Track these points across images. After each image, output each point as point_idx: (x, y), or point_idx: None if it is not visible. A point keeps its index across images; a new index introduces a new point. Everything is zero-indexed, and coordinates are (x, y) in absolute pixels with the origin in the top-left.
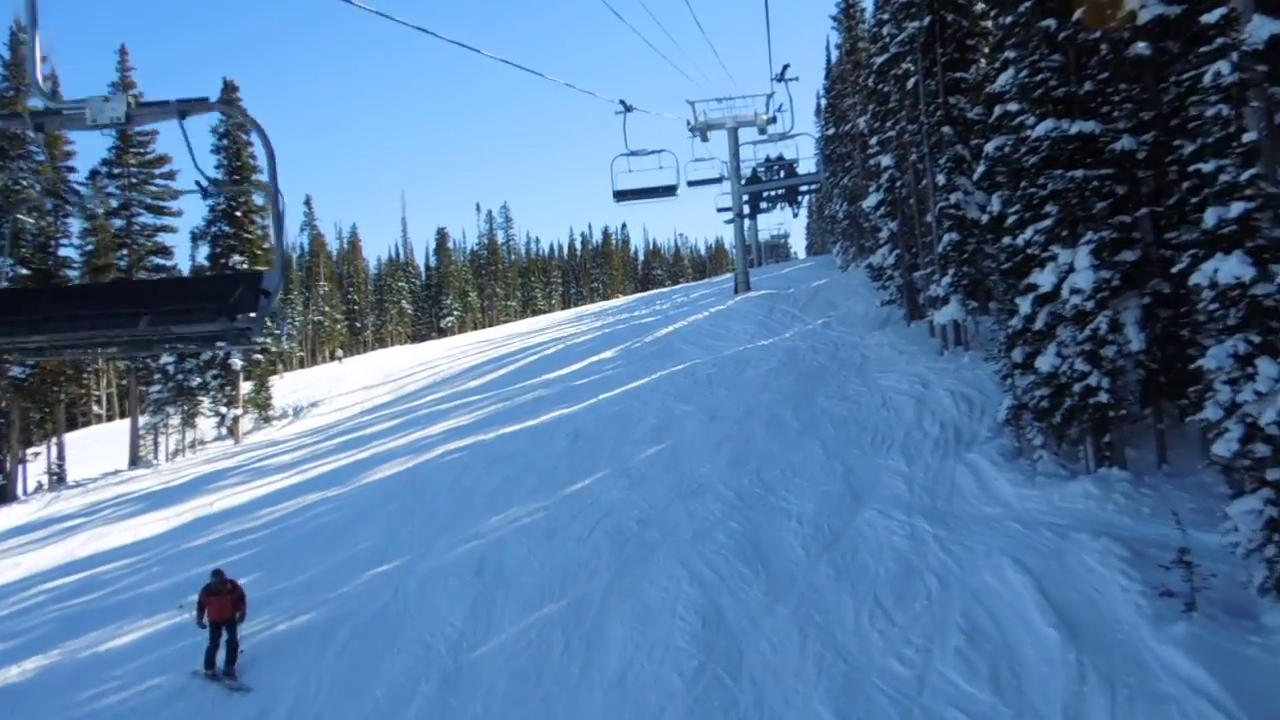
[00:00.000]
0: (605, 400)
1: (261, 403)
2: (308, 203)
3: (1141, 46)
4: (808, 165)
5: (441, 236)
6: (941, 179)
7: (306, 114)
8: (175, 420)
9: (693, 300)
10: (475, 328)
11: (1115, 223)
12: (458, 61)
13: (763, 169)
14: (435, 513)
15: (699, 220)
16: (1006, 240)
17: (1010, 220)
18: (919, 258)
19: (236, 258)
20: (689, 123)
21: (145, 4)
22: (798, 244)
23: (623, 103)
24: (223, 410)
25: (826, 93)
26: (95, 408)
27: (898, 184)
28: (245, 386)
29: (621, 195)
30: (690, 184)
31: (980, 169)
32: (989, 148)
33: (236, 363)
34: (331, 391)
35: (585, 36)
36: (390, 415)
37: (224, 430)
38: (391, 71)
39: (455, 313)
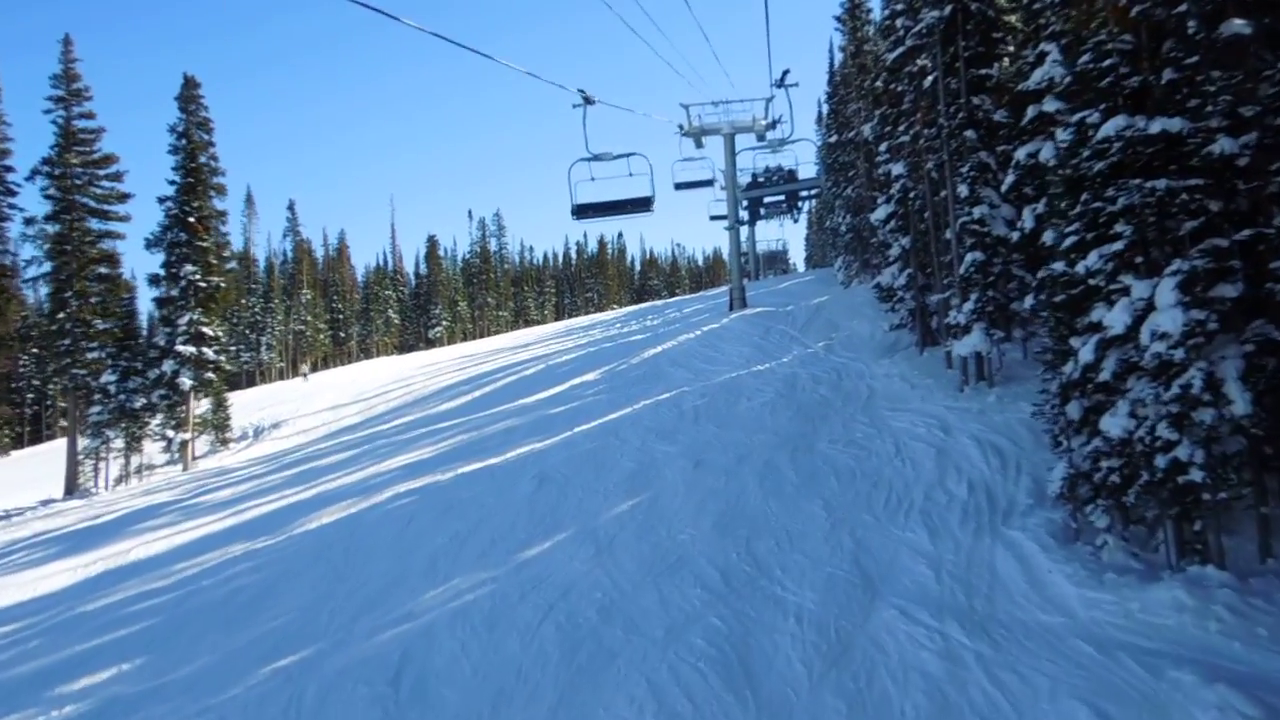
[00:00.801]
0: (580, 435)
1: (219, 423)
2: (291, 208)
3: (1239, 24)
4: (808, 171)
5: (432, 244)
6: (964, 190)
7: (297, 118)
8: (120, 443)
9: (685, 316)
10: (465, 338)
11: (1208, 248)
12: (458, 70)
13: (762, 177)
14: (367, 579)
15: (697, 229)
16: (1057, 266)
17: (1068, 241)
18: (934, 278)
19: (189, 268)
20: (681, 127)
21: (157, 19)
22: (796, 254)
23: (581, 93)
24: (170, 433)
25: (829, 98)
26: (63, 421)
27: (910, 195)
28: (201, 405)
29: (582, 211)
30: (678, 186)
31: (1009, 179)
32: (1020, 154)
33: (185, 381)
34: (299, 410)
35: (588, 49)
36: (350, 443)
37: (174, 454)
38: (385, 79)
39: (444, 323)
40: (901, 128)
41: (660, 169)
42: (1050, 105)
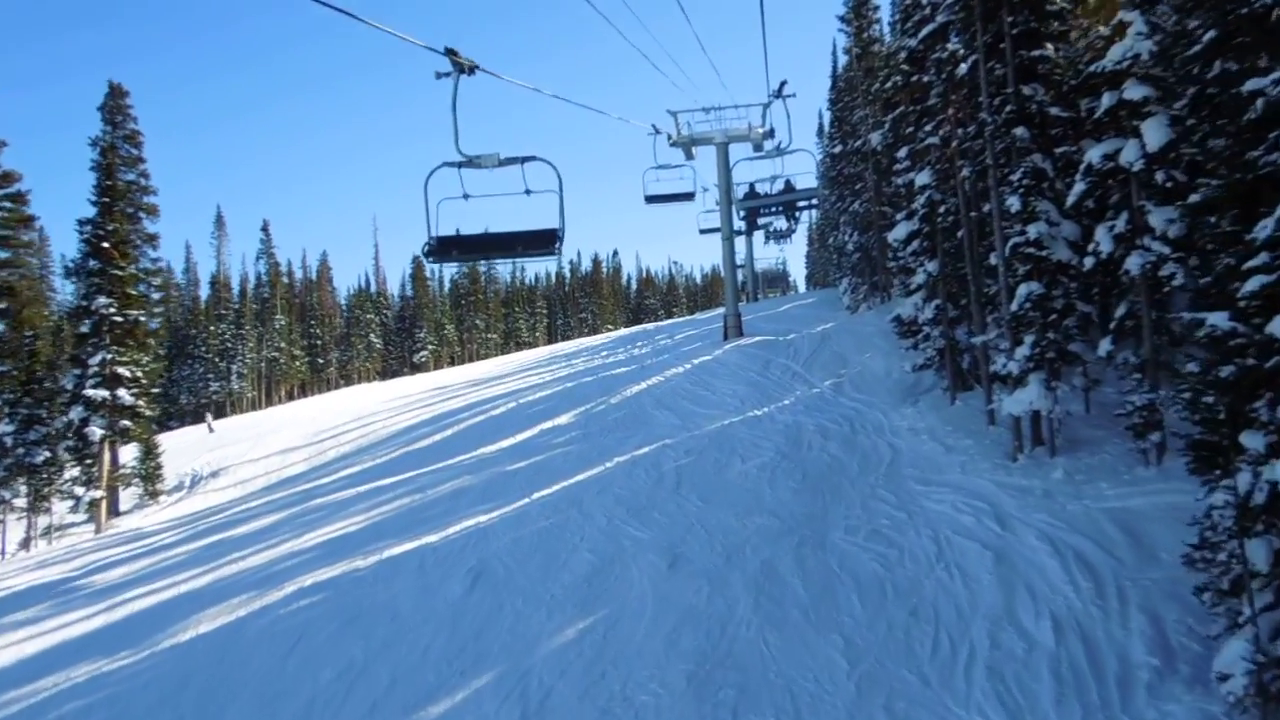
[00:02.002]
0: (537, 505)
1: (149, 473)
2: (265, 229)
3: None
4: (808, 183)
5: (418, 265)
6: (1014, 203)
7: (275, 134)
8: (22, 502)
9: (676, 344)
10: (453, 363)
11: None
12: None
13: (765, 182)
14: None
15: (696, 246)
16: (1219, 321)
17: (1252, 285)
18: (969, 310)
19: (102, 300)
20: (669, 137)
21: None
22: (795, 271)
23: (450, 54)
24: (80, 490)
25: (831, 105)
26: None
27: (940, 210)
28: (127, 451)
29: (443, 248)
30: (650, 199)
31: (1078, 188)
32: (1093, 156)
33: (95, 431)
34: (248, 453)
35: (574, 47)
36: (281, 503)
37: (87, 513)
38: (364, 93)
39: (430, 347)
40: (927, 127)
41: (632, 185)
42: (1135, 91)
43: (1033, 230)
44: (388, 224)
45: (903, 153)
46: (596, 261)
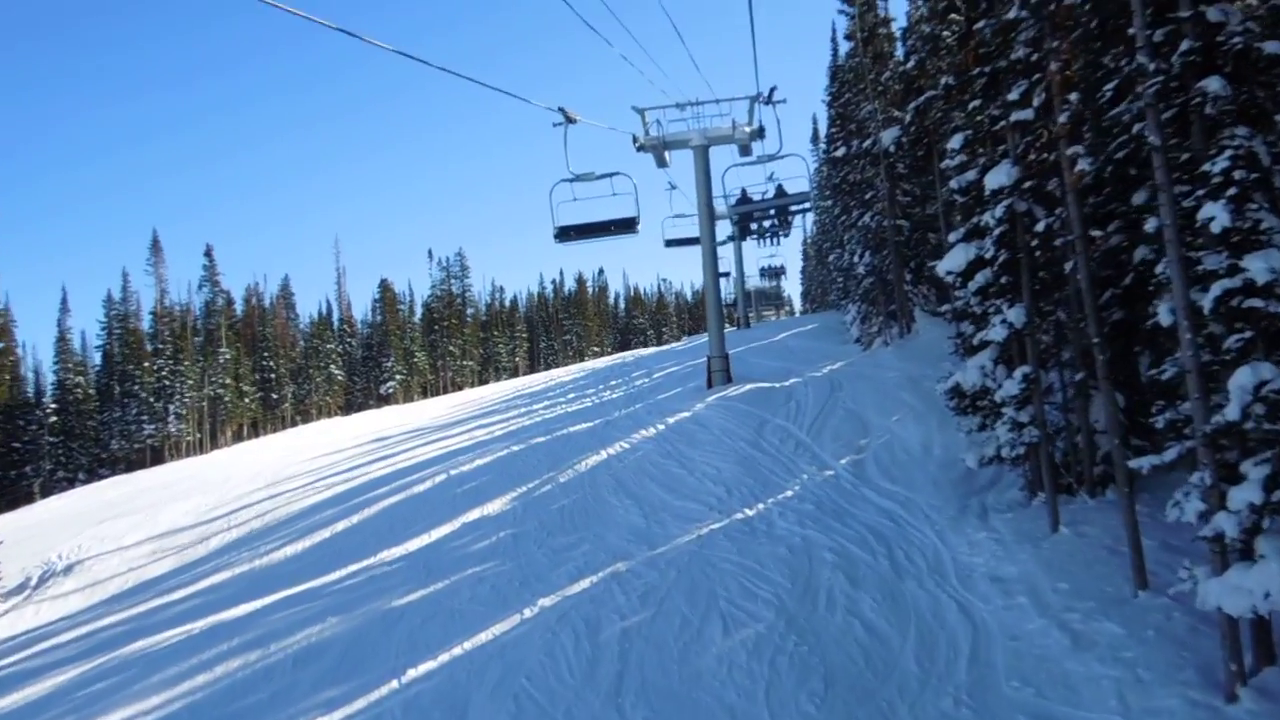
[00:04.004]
0: (397, 702)
1: None
2: (209, 253)
3: None
4: (800, 187)
5: (385, 289)
6: (1217, 217)
7: (229, 147)
8: None
9: (654, 385)
10: (424, 393)
11: None
12: (415, 95)
13: (757, 189)
14: None
15: (685, 264)
16: None
17: None
18: (1100, 394)
19: None
20: (635, 139)
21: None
22: (789, 285)
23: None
24: None
25: (832, 101)
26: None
27: (1035, 229)
28: None
29: (565, 233)
30: (669, 243)
31: None
32: None
33: None
34: (125, 535)
35: (534, 49)
36: (87, 647)
37: None
38: (328, 100)
39: (398, 377)
40: (1013, 94)
41: (645, 189)
42: None
43: (1256, 266)
44: (353, 244)
45: (956, 142)
46: (581, 280)
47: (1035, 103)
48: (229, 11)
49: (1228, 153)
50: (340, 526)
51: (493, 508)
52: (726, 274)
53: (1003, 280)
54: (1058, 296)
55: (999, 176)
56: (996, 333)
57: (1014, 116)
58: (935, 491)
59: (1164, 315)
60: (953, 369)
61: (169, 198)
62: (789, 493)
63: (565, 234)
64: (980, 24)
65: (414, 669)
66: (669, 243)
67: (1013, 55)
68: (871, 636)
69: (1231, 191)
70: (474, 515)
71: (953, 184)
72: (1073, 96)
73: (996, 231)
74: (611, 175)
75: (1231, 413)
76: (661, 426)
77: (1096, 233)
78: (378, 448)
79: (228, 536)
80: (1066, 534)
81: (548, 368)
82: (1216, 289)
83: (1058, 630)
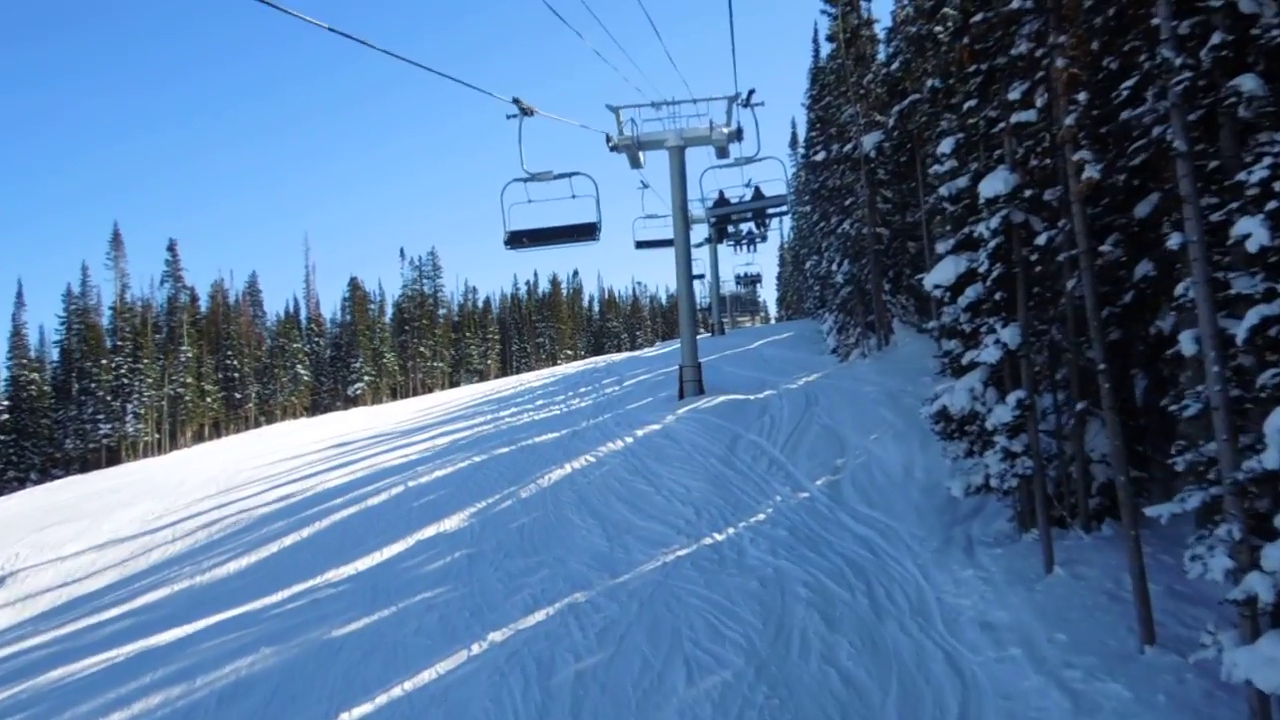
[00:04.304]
0: None
1: None
2: (172, 248)
3: None
4: (777, 189)
5: (355, 288)
6: (1254, 233)
7: (202, 144)
8: None
9: (624, 392)
10: (394, 394)
11: None
12: (384, 93)
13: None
14: None
15: (661, 264)
16: None
17: None
18: (1103, 424)
19: None
20: (609, 139)
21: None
22: (764, 291)
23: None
24: None
25: (812, 104)
26: None
27: (1039, 241)
28: None
29: (516, 239)
30: (640, 245)
31: None
32: None
33: None
34: (66, 542)
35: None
36: (3, 675)
37: None
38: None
39: (367, 378)
40: (1014, 93)
41: (614, 189)
42: None
43: None
44: (325, 243)
45: (945, 145)
46: (555, 282)
47: (1038, 103)
48: (205, 13)
49: (1267, 160)
50: (289, 540)
51: (450, 524)
52: (701, 276)
53: (996, 296)
54: (1052, 314)
55: (995, 184)
56: (989, 354)
57: (1014, 118)
58: (917, 520)
59: (1186, 344)
60: (938, 390)
61: (141, 197)
62: (761, 516)
63: (517, 239)
64: (977, 17)
65: (347, 713)
66: (640, 244)
67: (1013, 51)
68: (849, 690)
69: (1272, 205)
70: (430, 532)
71: (942, 191)
72: (1080, 97)
73: (991, 244)
74: (571, 175)
75: (1270, 460)
76: (630, 439)
77: (1103, 247)
78: (337, 454)
79: (171, 549)
80: (1062, 575)
81: (520, 371)
82: (1252, 316)
83: (1056, 690)
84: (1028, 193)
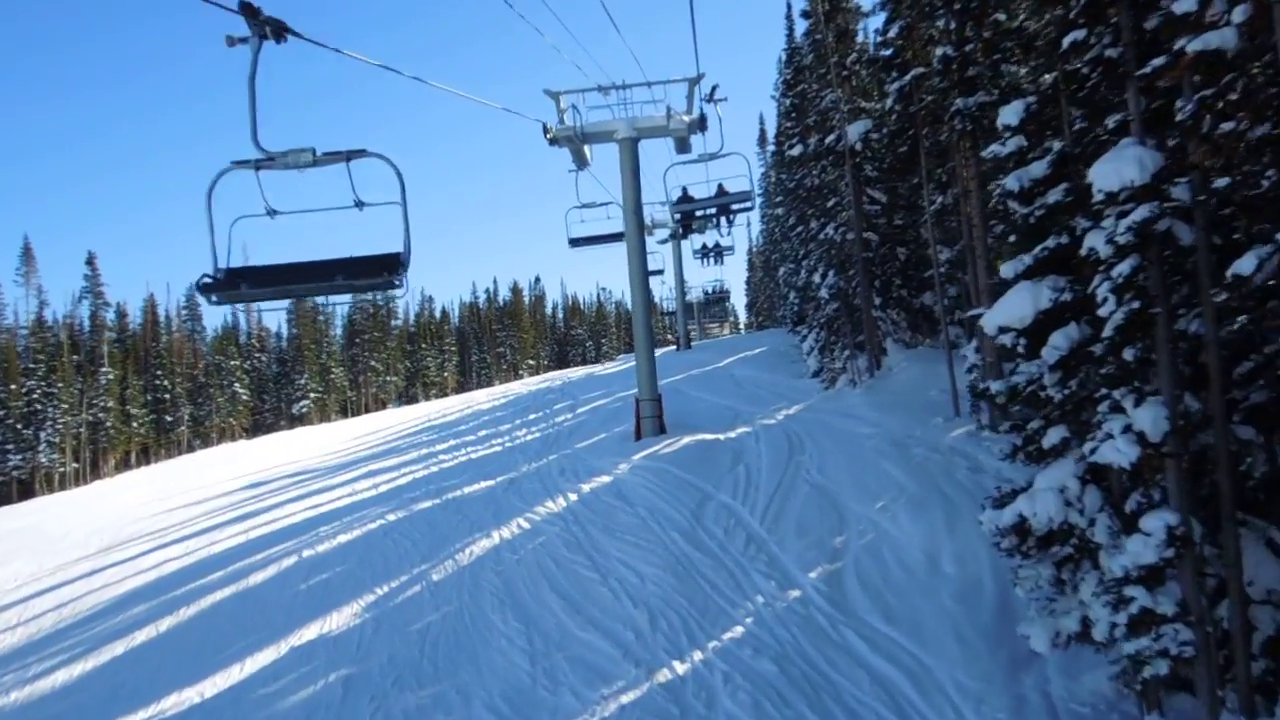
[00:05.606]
0: None
1: None
2: (90, 262)
3: None
4: (741, 186)
5: (299, 300)
6: None
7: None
8: None
9: (576, 425)
10: (343, 411)
11: None
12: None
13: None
14: None
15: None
16: None
17: None
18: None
19: None
20: (546, 129)
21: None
22: (735, 295)
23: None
24: None
25: (786, 91)
26: None
27: (1184, 264)
28: None
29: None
30: (574, 243)
31: None
32: None
33: None
34: None
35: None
36: None
37: None
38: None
39: (313, 395)
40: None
41: (550, 199)
42: None
43: None
44: (264, 250)
45: (1010, 114)
46: (516, 290)
47: (1236, 17)
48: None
49: None
50: (140, 638)
51: (337, 622)
52: (660, 272)
53: (1125, 354)
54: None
55: (1125, 167)
56: (1114, 451)
57: (1188, 45)
58: (960, 650)
59: None
60: (998, 485)
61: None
62: (738, 631)
63: (230, 286)
64: None
65: None
66: (575, 242)
67: None
68: None
69: None
70: (310, 633)
71: (1008, 183)
72: None
73: (1120, 268)
74: (349, 156)
75: None
76: (574, 496)
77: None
78: (244, 499)
79: (5, 641)
80: None
81: (480, 384)
82: None
83: None
84: (1184, 180)
